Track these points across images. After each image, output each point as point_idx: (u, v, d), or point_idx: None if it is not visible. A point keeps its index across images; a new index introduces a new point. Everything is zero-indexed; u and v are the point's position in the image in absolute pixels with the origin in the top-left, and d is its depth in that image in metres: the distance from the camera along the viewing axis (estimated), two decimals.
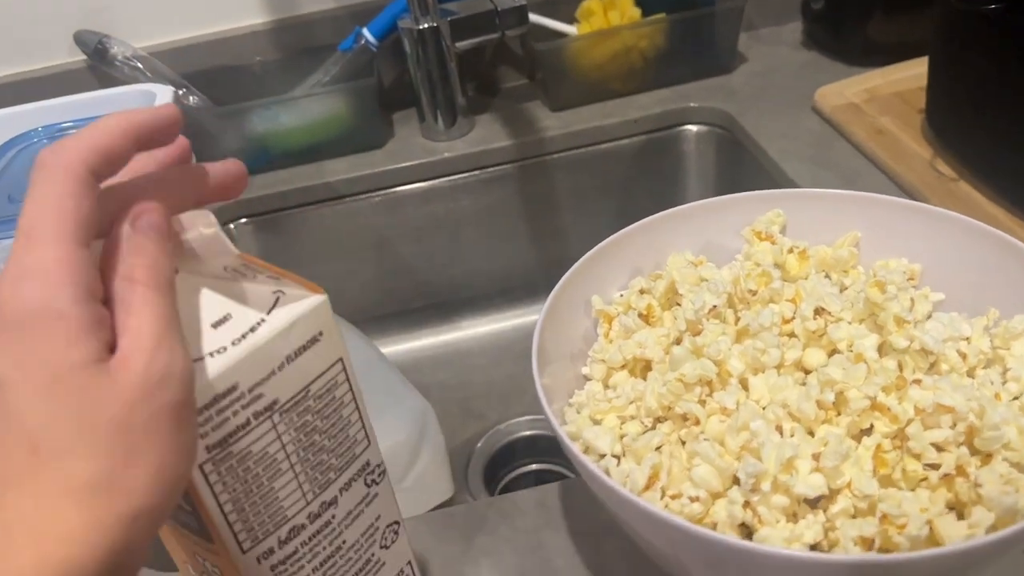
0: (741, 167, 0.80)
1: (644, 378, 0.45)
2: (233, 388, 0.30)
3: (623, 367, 0.46)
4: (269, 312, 0.32)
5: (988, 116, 0.63)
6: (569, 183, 0.83)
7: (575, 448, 0.38)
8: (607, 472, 0.39)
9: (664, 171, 0.85)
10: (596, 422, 0.43)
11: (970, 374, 0.42)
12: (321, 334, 0.33)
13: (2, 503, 0.22)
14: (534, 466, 0.76)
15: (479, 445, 0.76)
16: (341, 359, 0.34)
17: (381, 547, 0.39)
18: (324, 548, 0.36)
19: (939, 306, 0.45)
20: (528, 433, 0.77)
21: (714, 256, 0.50)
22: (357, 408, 0.35)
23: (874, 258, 0.49)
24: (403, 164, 0.79)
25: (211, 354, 0.30)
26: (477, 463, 0.75)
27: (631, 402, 0.43)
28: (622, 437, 0.42)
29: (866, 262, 0.49)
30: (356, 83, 0.78)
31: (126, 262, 0.26)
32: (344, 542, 0.36)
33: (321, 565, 0.36)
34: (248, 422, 0.31)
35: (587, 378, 0.47)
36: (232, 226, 0.78)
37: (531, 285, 0.87)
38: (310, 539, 0.35)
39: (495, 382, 0.80)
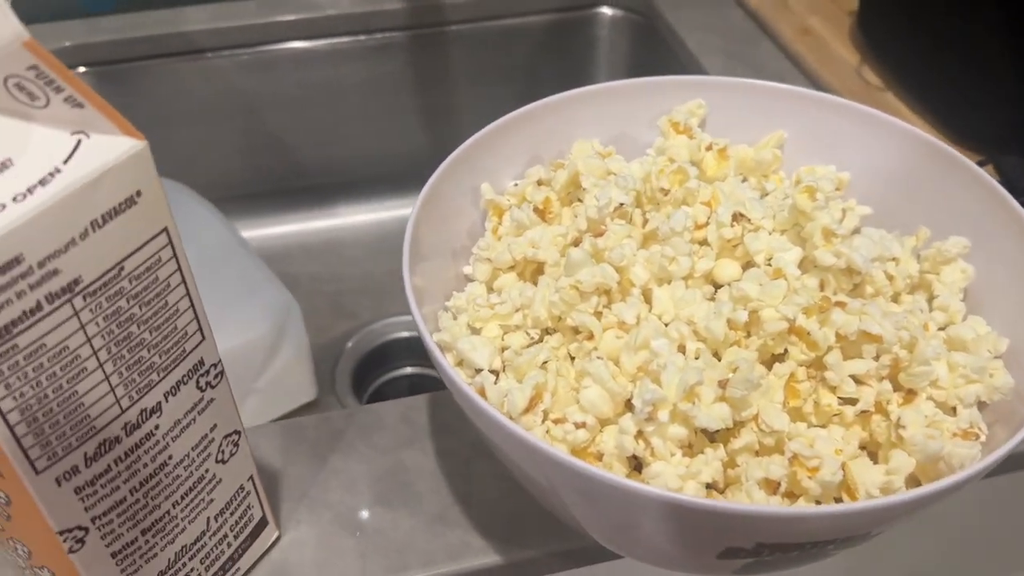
0: (656, 58, 0.73)
1: (535, 283, 0.39)
2: (16, 260, 0.22)
3: (511, 269, 0.39)
4: (67, 160, 0.24)
5: (924, 23, 0.58)
6: (467, 60, 0.75)
7: (444, 361, 0.32)
8: (482, 391, 0.33)
9: (573, 56, 0.77)
10: (475, 331, 0.37)
11: (895, 299, 0.38)
12: (139, 195, 0.25)
13: None
14: (409, 370, 0.70)
15: (349, 345, 0.69)
16: (166, 229, 0.26)
17: (217, 461, 0.32)
18: (145, 465, 0.29)
19: (866, 221, 0.40)
20: (405, 335, 0.70)
21: (624, 148, 0.44)
22: (188, 294, 0.28)
23: (798, 164, 0.43)
24: (278, 18, 0.69)
25: None
26: (346, 365, 0.68)
27: (517, 310, 0.37)
28: (503, 350, 0.36)
29: (789, 167, 0.43)
30: None
31: None
32: (170, 457, 0.30)
33: (141, 485, 0.29)
34: (39, 306, 0.24)
35: (469, 279, 0.40)
36: None
37: (418, 172, 0.77)
38: (127, 455, 0.28)
39: (371, 277, 0.72)
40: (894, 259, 0.38)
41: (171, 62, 0.68)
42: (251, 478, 0.35)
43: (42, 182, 0.23)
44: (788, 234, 0.38)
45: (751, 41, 0.68)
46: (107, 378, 0.26)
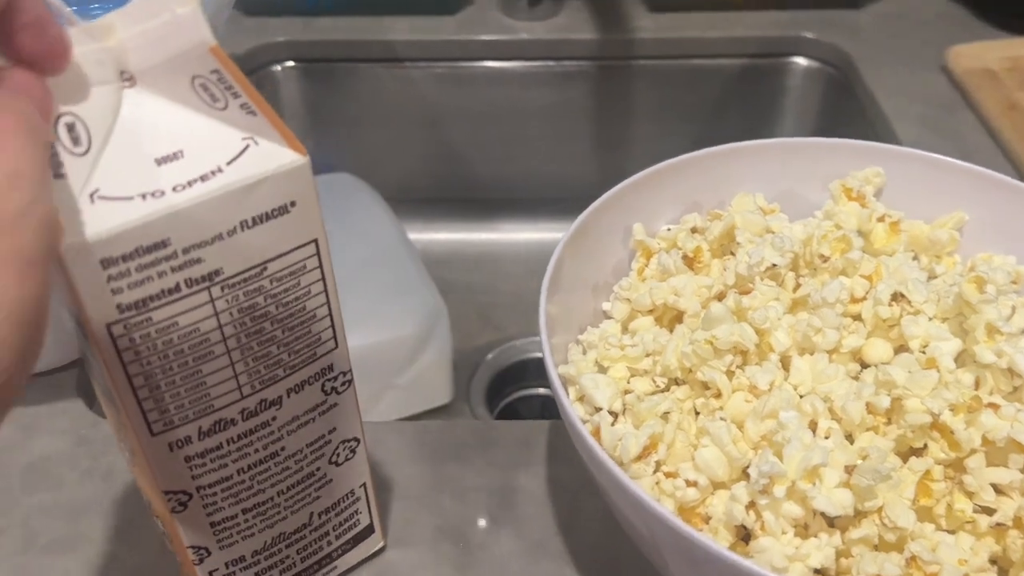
0: (846, 117, 0.70)
1: (671, 330, 0.38)
2: (162, 244, 0.24)
3: (650, 312, 0.39)
4: (231, 161, 0.25)
5: None
6: (652, 95, 0.75)
7: (563, 395, 0.32)
8: (597, 431, 0.33)
9: (759, 103, 0.76)
10: (602, 369, 0.37)
11: None
12: (293, 204, 0.26)
13: None
14: (543, 390, 0.70)
15: (489, 357, 0.71)
16: (316, 241, 0.28)
17: (331, 462, 0.33)
18: (256, 451, 0.30)
19: None
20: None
21: (790, 207, 0.43)
22: (327, 302, 0.29)
23: (976, 249, 0.41)
24: (474, 37, 0.71)
25: (144, 195, 0.24)
26: (483, 375, 0.70)
27: (648, 355, 0.37)
28: (627, 393, 0.36)
29: (966, 252, 0.41)
30: None
31: None
32: (283, 448, 0.31)
33: (249, 468, 0.31)
34: (177, 288, 0.25)
35: (606, 316, 0.40)
36: (277, 67, 0.71)
37: (583, 198, 0.79)
38: (239, 437, 0.30)
39: (523, 294, 0.74)
40: None
41: (370, 66, 0.72)
42: (363, 485, 0.35)
43: (203, 178, 0.25)
44: (950, 323, 0.36)
45: (951, 110, 0.64)
46: (232, 364, 0.28)
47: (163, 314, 0.26)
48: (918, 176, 0.42)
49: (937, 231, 0.41)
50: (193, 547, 0.31)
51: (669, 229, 0.42)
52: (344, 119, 0.74)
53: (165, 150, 0.25)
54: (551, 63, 0.73)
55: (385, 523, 0.39)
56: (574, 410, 0.31)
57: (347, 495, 0.35)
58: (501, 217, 0.80)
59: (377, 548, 0.38)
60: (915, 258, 0.41)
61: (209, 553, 0.31)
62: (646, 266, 0.41)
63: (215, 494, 0.30)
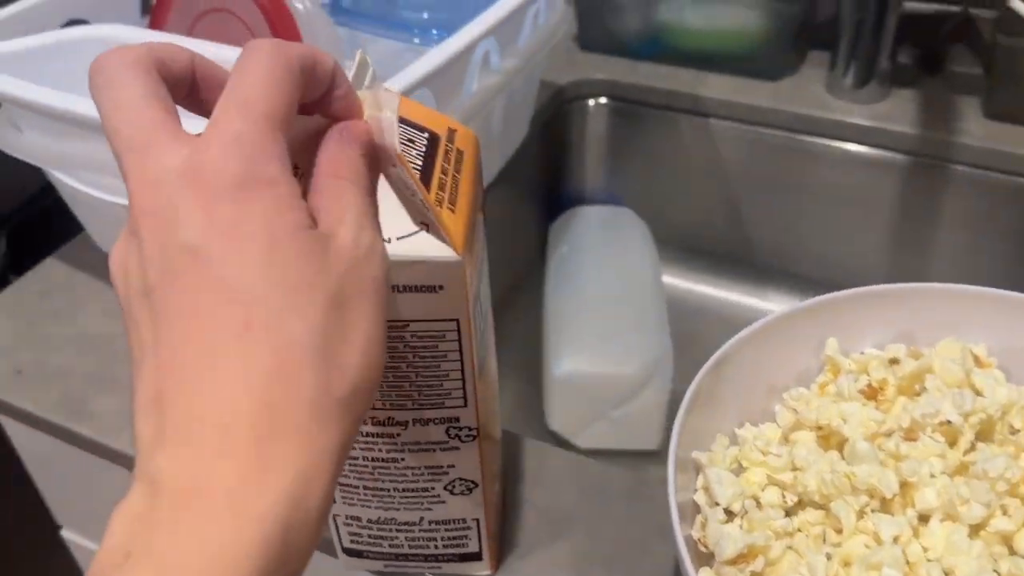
0: None
1: (829, 450, 0.38)
2: None
3: (818, 429, 0.39)
4: (401, 237, 0.30)
5: None
6: (967, 204, 0.70)
7: (672, 474, 0.34)
8: (703, 522, 0.35)
9: None
10: (741, 468, 0.38)
11: None
12: (440, 288, 0.30)
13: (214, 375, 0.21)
14: None
15: None
16: (458, 321, 0.31)
17: (446, 489, 0.37)
18: (380, 451, 0.35)
19: None
20: None
21: (1018, 365, 0.40)
22: (462, 370, 0.33)
23: None
24: (788, 108, 0.71)
25: None
26: None
27: (792, 469, 0.37)
28: (755, 498, 0.36)
29: None
30: (782, 4, 0.71)
31: (333, 161, 0.25)
32: (403, 460, 0.36)
33: (373, 460, 0.36)
34: None
35: (774, 420, 0.41)
36: (591, 102, 0.77)
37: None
38: (367, 435, 0.35)
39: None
40: None
41: (678, 116, 0.75)
42: (476, 520, 0.38)
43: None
44: None
45: None
46: None
47: None
48: None
49: None
50: None
51: (863, 353, 0.41)
52: (640, 159, 0.78)
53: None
54: (863, 148, 0.71)
55: (503, 544, 0.42)
56: (675, 495, 0.33)
57: (459, 520, 0.38)
58: (770, 287, 0.79)
59: (483, 574, 0.41)
60: None
61: (335, 500, 0.37)
62: (830, 383, 0.40)
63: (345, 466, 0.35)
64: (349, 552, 0.40)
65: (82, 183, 0.50)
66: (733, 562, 0.33)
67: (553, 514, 0.44)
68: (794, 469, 0.37)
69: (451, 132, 0.31)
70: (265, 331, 0.21)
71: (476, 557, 0.40)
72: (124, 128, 0.23)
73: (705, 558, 0.35)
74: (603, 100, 0.77)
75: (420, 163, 0.29)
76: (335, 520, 0.39)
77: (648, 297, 0.69)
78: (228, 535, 0.19)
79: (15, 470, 0.62)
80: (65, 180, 0.51)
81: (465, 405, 0.34)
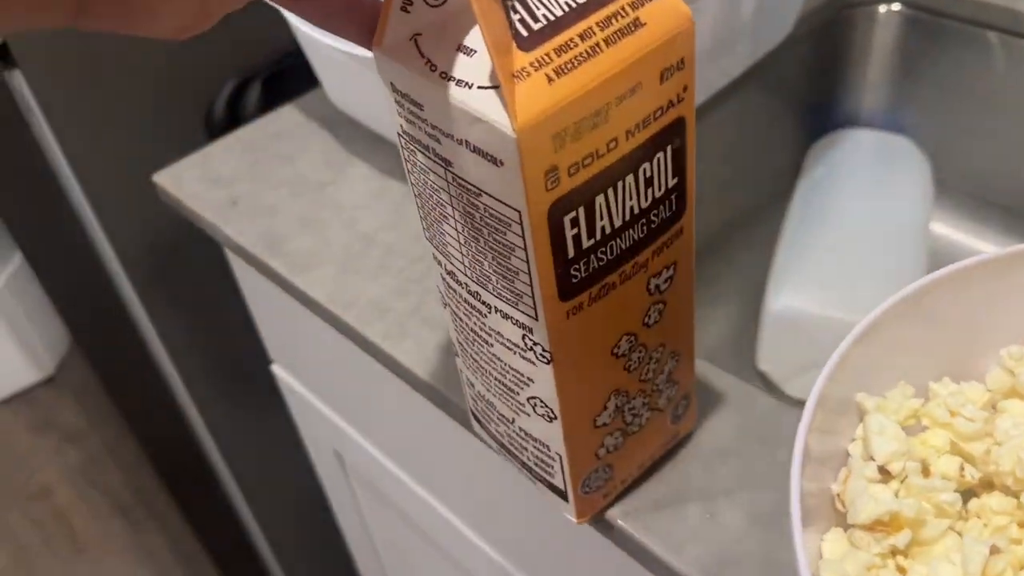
0: None
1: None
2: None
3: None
4: (482, 88, 0.25)
5: None
6: None
7: (811, 409, 0.28)
8: (846, 475, 0.28)
9: None
10: (919, 427, 0.30)
11: None
12: (501, 164, 0.25)
13: None
14: None
15: None
16: (521, 214, 0.26)
17: (529, 403, 0.32)
18: (474, 323, 0.31)
19: None
20: None
21: None
22: (531, 279, 0.27)
23: None
24: None
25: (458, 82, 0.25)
26: None
27: (988, 440, 0.29)
28: (922, 461, 0.29)
29: None
30: None
31: None
32: (491, 345, 0.31)
33: (470, 330, 0.32)
34: (406, 147, 0.28)
35: (982, 380, 0.32)
36: (883, 8, 0.66)
37: None
38: (460, 303, 0.32)
39: None
40: None
41: (989, 34, 0.62)
42: (559, 456, 0.33)
43: (467, 84, 0.25)
44: None
45: None
46: (458, 235, 0.29)
47: (412, 162, 0.29)
48: None
49: None
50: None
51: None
52: (934, 82, 0.66)
53: (474, 44, 0.25)
54: None
55: (612, 499, 0.37)
56: (802, 438, 0.27)
57: (543, 444, 0.34)
58: None
59: (569, 518, 0.36)
60: None
61: (457, 354, 0.35)
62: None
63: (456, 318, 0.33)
64: (473, 416, 0.38)
65: (318, 33, 0.51)
66: (870, 528, 0.27)
67: (721, 469, 0.39)
68: (989, 441, 0.29)
69: None
70: None
71: (562, 495, 0.35)
72: None
73: (843, 519, 0.29)
74: (896, 7, 0.65)
75: (553, 9, 0.25)
76: (463, 375, 0.36)
77: (907, 243, 0.59)
78: None
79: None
80: (304, 30, 0.52)
81: (535, 319, 0.28)
